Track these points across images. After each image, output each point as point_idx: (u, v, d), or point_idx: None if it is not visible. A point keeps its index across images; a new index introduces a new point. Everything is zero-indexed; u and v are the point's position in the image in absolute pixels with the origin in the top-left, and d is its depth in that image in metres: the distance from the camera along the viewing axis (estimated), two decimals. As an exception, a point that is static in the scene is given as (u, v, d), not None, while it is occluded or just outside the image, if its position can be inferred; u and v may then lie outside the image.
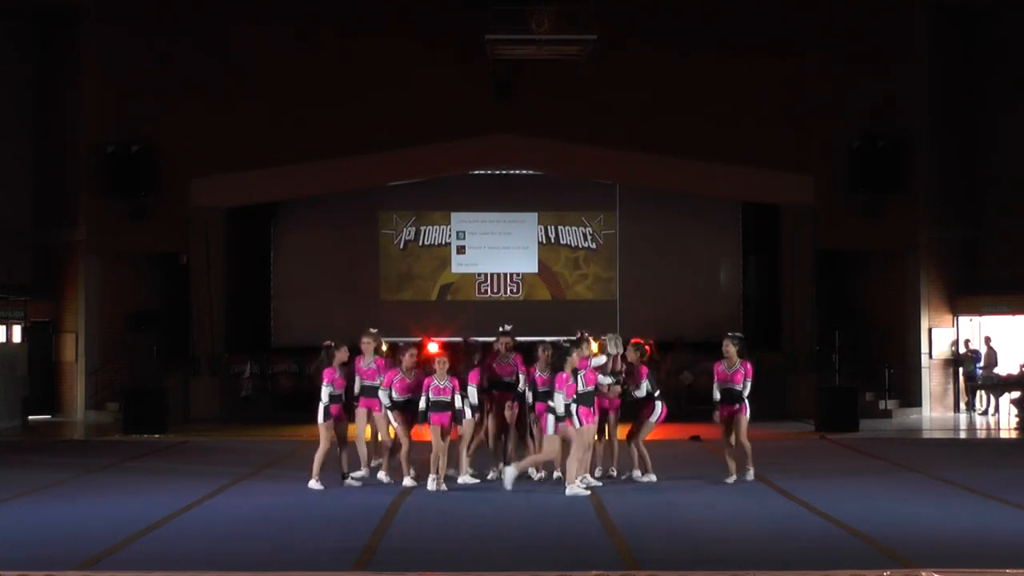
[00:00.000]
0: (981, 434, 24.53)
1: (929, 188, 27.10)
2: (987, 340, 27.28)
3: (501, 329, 15.95)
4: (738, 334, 16.00)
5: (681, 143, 26.81)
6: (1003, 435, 24.24)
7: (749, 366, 15.59)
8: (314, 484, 15.07)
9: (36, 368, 26.71)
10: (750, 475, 15.49)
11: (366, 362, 15.70)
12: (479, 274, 29.54)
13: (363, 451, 15.75)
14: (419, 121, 26.58)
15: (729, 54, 26.57)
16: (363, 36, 26.63)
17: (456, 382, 14.83)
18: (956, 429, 25.00)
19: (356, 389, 15.71)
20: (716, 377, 15.59)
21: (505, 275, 29.54)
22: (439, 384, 14.69)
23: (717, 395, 15.55)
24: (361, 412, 15.72)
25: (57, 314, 27.73)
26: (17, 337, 26.43)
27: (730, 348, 15.52)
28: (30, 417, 25.85)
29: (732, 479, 15.42)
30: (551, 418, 14.31)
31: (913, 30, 27.15)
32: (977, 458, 19.26)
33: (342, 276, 29.14)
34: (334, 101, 26.66)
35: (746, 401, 15.51)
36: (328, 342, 15.53)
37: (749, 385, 15.49)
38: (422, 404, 14.69)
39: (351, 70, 26.61)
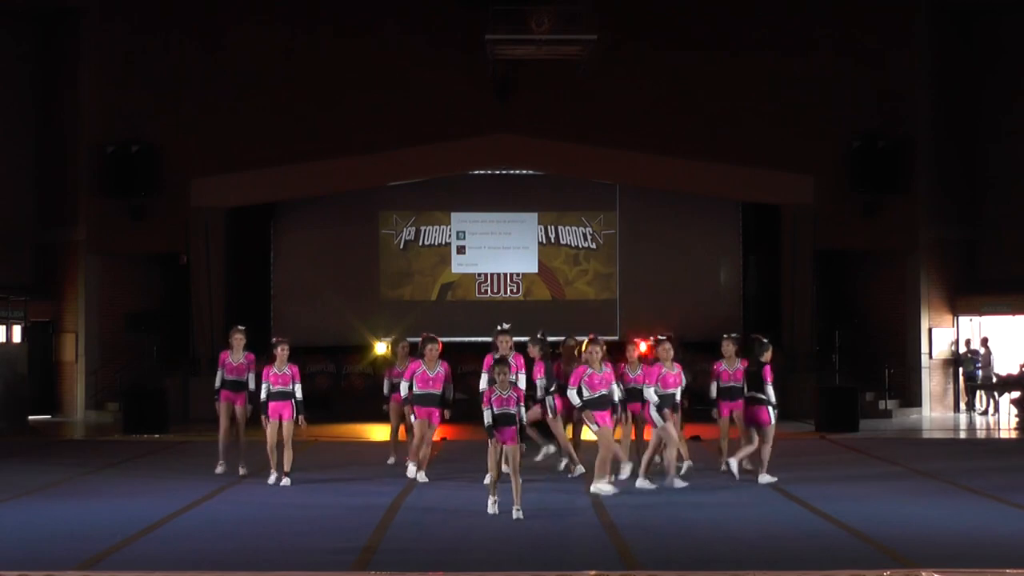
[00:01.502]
0: (981, 434, 24.53)
1: (929, 188, 27.11)
2: (984, 341, 27.28)
3: (499, 327, 15.52)
4: (734, 334, 16.59)
5: (681, 143, 26.81)
6: (1003, 435, 24.25)
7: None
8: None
9: (36, 368, 26.66)
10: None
11: (234, 357, 16.04)
12: (479, 274, 29.52)
13: (224, 444, 16.24)
14: (419, 121, 26.58)
15: (729, 54, 26.58)
16: (363, 36, 26.65)
17: (520, 391, 13.53)
18: (956, 429, 25.00)
19: (218, 382, 16.03)
20: (718, 376, 16.07)
21: (505, 275, 29.51)
22: (502, 394, 13.08)
23: (713, 392, 16.17)
24: (224, 406, 16.09)
25: (57, 314, 27.74)
26: (17, 337, 26.40)
27: (730, 347, 16.05)
28: (30, 417, 25.81)
29: (724, 465, 15.80)
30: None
31: (913, 30, 27.16)
32: (977, 458, 19.25)
33: (342, 276, 29.11)
34: (334, 101, 26.66)
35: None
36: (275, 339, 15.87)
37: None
38: (488, 419, 13.07)
39: (351, 70, 26.62)
